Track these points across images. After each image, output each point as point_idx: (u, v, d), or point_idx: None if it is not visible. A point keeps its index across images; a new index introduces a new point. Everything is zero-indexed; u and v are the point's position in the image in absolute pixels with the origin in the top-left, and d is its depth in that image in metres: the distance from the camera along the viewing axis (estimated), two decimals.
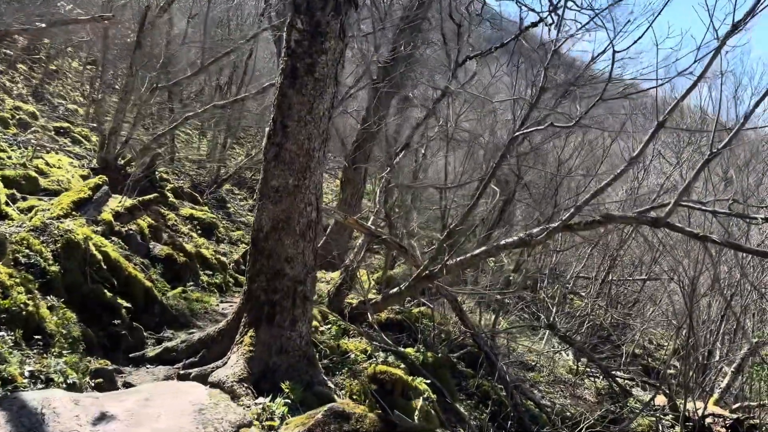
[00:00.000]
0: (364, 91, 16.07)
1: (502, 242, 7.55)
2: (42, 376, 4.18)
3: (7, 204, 7.70)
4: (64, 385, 4.23)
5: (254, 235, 6.31)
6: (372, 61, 12.41)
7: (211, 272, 11.57)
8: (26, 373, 4.09)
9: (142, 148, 13.36)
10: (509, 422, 9.19)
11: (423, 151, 14.80)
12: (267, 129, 6.29)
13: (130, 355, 6.54)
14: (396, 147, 11.78)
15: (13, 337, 4.36)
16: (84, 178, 12.62)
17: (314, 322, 7.91)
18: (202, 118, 19.61)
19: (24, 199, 8.41)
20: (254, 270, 6.29)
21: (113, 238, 8.38)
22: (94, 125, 16.18)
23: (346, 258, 9.85)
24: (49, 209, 7.05)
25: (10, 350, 4.24)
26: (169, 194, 14.67)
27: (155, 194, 10.13)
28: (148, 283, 7.83)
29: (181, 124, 13.98)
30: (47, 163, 11.57)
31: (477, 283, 12.49)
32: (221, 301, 10.47)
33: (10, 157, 11.10)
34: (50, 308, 5.68)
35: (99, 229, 8.19)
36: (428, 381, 7.38)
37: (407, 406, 6.87)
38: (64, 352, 4.78)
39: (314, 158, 6.11)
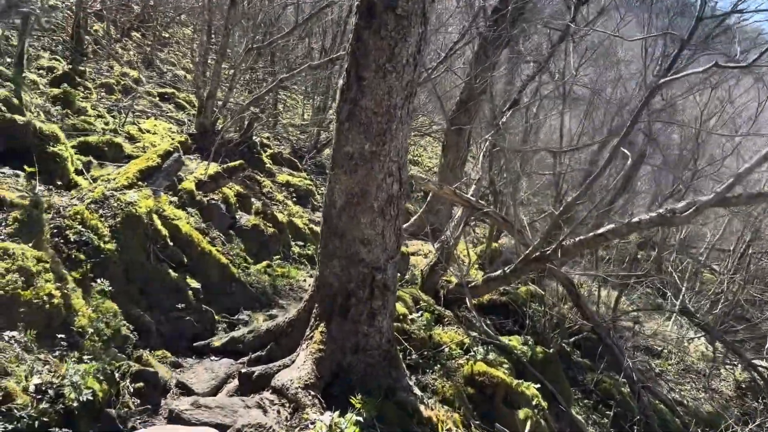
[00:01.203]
0: (469, 47, 14.48)
1: (636, 219, 5.99)
2: (51, 391, 3.37)
3: (79, 172, 7.13)
4: (77, 402, 3.40)
5: (326, 210, 5.22)
6: (480, 8, 10.84)
7: (302, 243, 10.75)
8: (31, 388, 3.30)
9: (236, 112, 12.70)
10: (635, 427, 7.68)
11: (534, 110, 13.08)
12: (340, 83, 5.11)
13: (195, 344, 5.74)
14: (504, 105, 10.24)
15: (26, 339, 3.59)
16: (180, 144, 12.16)
17: (403, 308, 6.77)
18: (304, 81, 18.85)
19: (101, 166, 7.87)
20: (326, 252, 5.21)
21: (190, 210, 7.65)
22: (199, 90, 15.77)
23: (446, 230, 8.61)
24: (114, 179, 6.37)
25: (21, 356, 3.47)
26: (267, 160, 14.02)
27: (241, 161, 9.34)
28: (224, 259, 7.02)
29: (276, 87, 13.17)
30: (140, 129, 11.14)
31: (595, 259, 10.85)
32: (310, 275, 9.61)
33: (107, 123, 10.77)
34: (99, 292, 4.93)
35: (174, 199, 7.46)
36: (537, 385, 6.06)
37: (511, 417, 5.62)
38: (93, 353, 3.96)
39: (396, 118, 4.87)
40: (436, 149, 23.98)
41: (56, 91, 10.53)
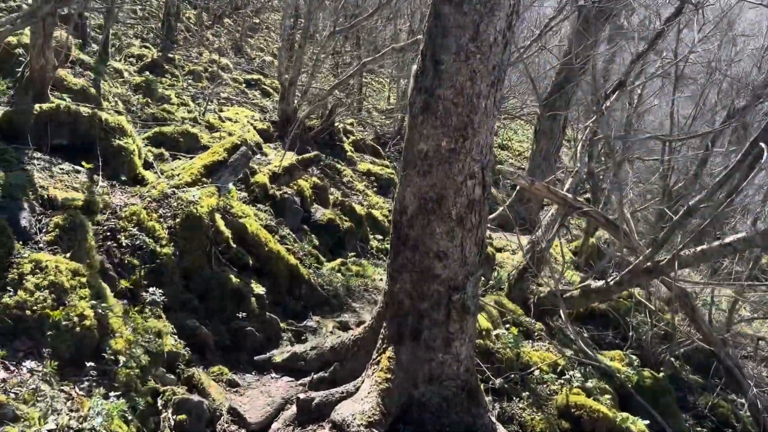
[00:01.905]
0: (566, 23, 13.18)
1: None
2: None
3: (149, 166, 6.77)
4: None
5: (396, 217, 4.47)
6: None
7: (381, 236, 10.09)
8: None
9: (317, 98, 12.18)
10: None
11: (639, 92, 11.67)
12: (414, 69, 4.33)
13: (255, 358, 5.21)
14: (606, 88, 9.05)
15: (46, 370, 3.13)
16: (261, 132, 11.80)
17: (486, 322, 5.95)
18: (390, 65, 18.13)
19: (174, 158, 7.52)
20: (396, 265, 4.48)
21: (260, 206, 7.14)
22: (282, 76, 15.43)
23: (536, 229, 7.66)
24: (178, 175, 5.94)
25: (40, 390, 2.99)
26: (348, 148, 13.45)
27: (316, 152, 8.76)
28: (293, 260, 6.46)
29: (359, 71, 12.50)
30: (220, 118, 10.82)
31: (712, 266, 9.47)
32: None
33: (190, 111, 10.54)
34: (149, 303, 4.47)
35: (244, 195, 6.98)
36: (646, 421, 5.09)
37: None
38: (126, 383, 3.46)
39: (479, 109, 4.02)
40: (527, 132, 22.64)
41: (138, 79, 10.38)
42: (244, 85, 15.82)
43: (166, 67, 13.31)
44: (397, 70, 17.03)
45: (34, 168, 5.02)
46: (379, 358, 4.40)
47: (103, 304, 3.61)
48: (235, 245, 5.76)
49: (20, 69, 6.71)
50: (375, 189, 12.14)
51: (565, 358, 5.80)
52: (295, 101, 12.96)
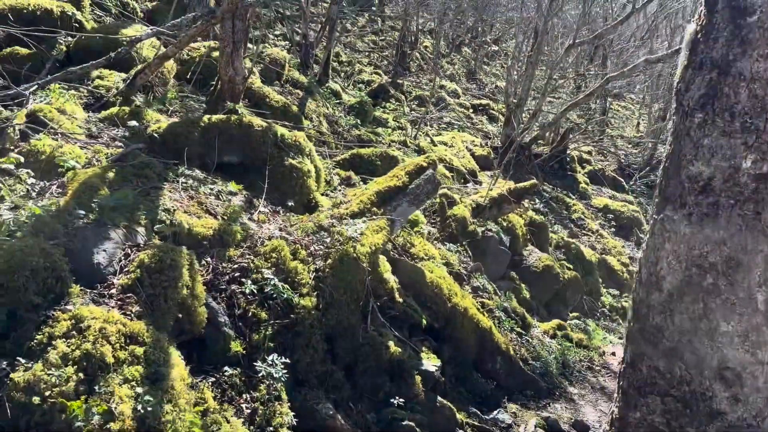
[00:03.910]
0: None
1: None
2: None
3: (326, 193, 5.64)
4: None
5: (640, 292, 2.49)
6: None
7: (617, 291, 7.76)
8: None
9: (548, 122, 10.25)
10: None
11: None
12: (685, 38, 2.35)
13: None
14: None
15: None
16: (480, 158, 10.26)
17: None
18: (641, 85, 15.35)
19: (365, 182, 6.33)
20: (635, 378, 2.48)
21: (453, 245, 5.53)
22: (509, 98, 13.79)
23: None
24: (348, 202, 4.64)
25: None
26: (582, 179, 11.20)
27: (533, 181, 6.88)
28: (485, 321, 4.71)
29: (600, 89, 10.23)
30: (433, 142, 9.53)
31: None
32: (622, 342, 6.61)
33: (405, 135, 9.47)
34: (266, 377, 3.13)
35: (432, 231, 5.45)
36: None
37: None
38: None
39: None
40: None
41: (353, 101, 9.61)
42: (470, 110, 14.50)
43: (393, 92, 12.59)
44: (649, 93, 14.14)
45: (176, 186, 4.11)
46: None
47: (158, 393, 2.32)
48: (403, 298, 4.22)
49: (213, 81, 6.13)
50: (613, 230, 9.73)
51: None
52: (522, 125, 11.18)
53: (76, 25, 6.43)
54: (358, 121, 8.87)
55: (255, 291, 3.52)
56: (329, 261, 3.89)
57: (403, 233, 4.96)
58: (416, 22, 16.70)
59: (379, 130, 9.12)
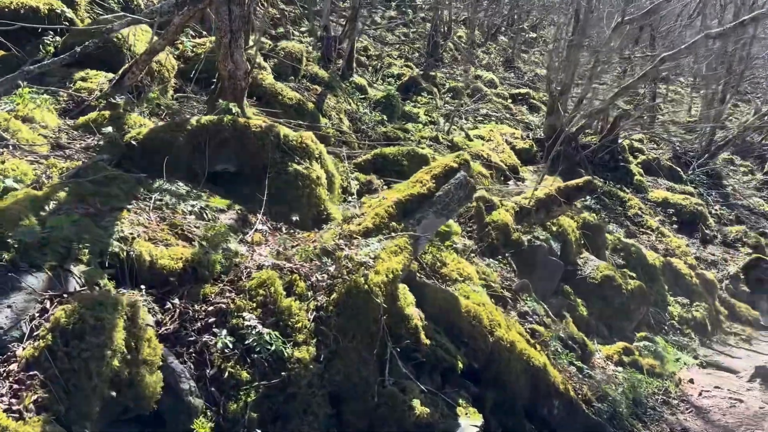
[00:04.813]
0: None
1: None
2: None
3: (346, 197, 4.74)
4: None
5: None
6: None
7: (687, 300, 6.63)
8: None
9: (596, 109, 9.10)
10: None
11: None
12: None
13: None
14: None
15: None
16: (521, 152, 9.20)
17: None
18: (691, 67, 13.93)
19: (389, 186, 5.40)
20: None
21: (494, 260, 4.54)
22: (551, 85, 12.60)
23: None
24: (361, 215, 3.71)
25: None
26: (636, 170, 9.97)
27: (587, 178, 5.81)
28: (538, 357, 3.71)
29: (654, 71, 8.95)
30: (468, 136, 8.52)
31: None
32: (701, 363, 5.52)
33: (438, 130, 8.48)
34: None
35: (467, 243, 4.47)
36: None
37: None
38: None
39: None
40: None
41: (380, 95, 8.66)
42: (509, 100, 13.35)
43: (425, 84, 11.59)
44: (704, 71, 12.67)
45: (148, 204, 3.26)
46: None
47: None
48: (431, 337, 3.26)
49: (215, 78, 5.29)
50: (675, 226, 8.52)
51: None
52: (567, 114, 10.04)
53: (66, 23, 5.70)
54: (385, 117, 7.93)
55: (232, 343, 2.64)
56: (334, 295, 2.98)
57: (432, 249, 4.02)
58: (449, 11, 15.65)
59: (409, 126, 8.16)
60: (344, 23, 9.89)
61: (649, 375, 4.63)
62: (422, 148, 6.42)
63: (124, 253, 2.75)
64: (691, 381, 4.88)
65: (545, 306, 4.48)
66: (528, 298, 4.25)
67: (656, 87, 14.68)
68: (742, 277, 7.30)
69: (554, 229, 5.46)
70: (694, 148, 12.19)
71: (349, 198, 4.69)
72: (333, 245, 3.25)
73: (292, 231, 3.90)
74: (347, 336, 2.91)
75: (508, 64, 17.18)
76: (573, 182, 5.52)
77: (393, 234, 3.41)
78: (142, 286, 2.72)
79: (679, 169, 10.96)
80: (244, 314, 2.74)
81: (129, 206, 3.18)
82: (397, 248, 3.30)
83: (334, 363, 2.84)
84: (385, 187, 5.35)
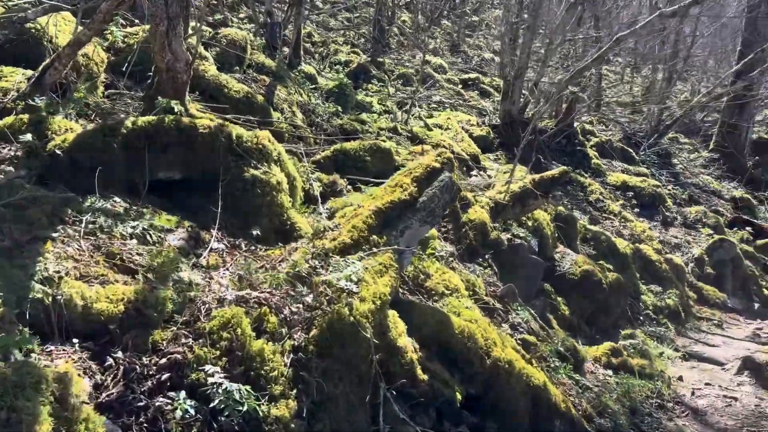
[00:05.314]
0: None
1: None
2: None
3: (314, 207, 4.20)
4: None
5: None
6: None
7: (659, 288, 6.45)
8: None
9: (551, 93, 8.82)
10: None
11: None
12: None
13: None
14: None
15: None
16: (479, 140, 8.85)
17: None
18: (638, 45, 13.97)
19: (354, 187, 4.89)
20: None
21: (474, 264, 4.13)
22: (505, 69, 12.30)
23: None
24: (333, 229, 3.22)
25: None
26: (592, 153, 9.83)
27: (563, 168, 5.49)
28: (537, 375, 3.33)
29: (610, 49, 8.77)
30: (427, 126, 8.09)
31: None
32: (684, 356, 5.32)
33: (393, 120, 8.00)
34: None
35: (450, 249, 4.04)
36: None
37: None
38: None
39: None
40: None
41: (331, 84, 8.09)
42: (459, 86, 13.00)
43: (374, 72, 11.09)
44: (644, 51, 12.67)
45: (78, 230, 2.65)
46: None
47: None
48: (427, 368, 2.81)
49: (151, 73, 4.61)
50: (636, 210, 8.38)
51: None
52: (522, 99, 9.77)
53: None
54: (339, 108, 7.37)
55: (194, 407, 2.10)
56: (314, 332, 2.48)
57: (413, 259, 3.55)
58: None
59: (364, 116, 7.65)
60: (286, 8, 9.22)
61: (639, 376, 4.35)
62: (383, 141, 5.92)
63: (50, 299, 2.16)
64: (680, 378, 4.65)
65: (532, 311, 4.11)
66: (518, 307, 3.86)
67: (601, 69, 14.66)
68: (707, 259, 7.22)
69: (530, 224, 5.11)
70: (642, 128, 12.20)
71: (318, 207, 4.15)
72: (307, 269, 2.73)
73: (253, 248, 3.36)
74: (332, 381, 2.42)
75: (454, 49, 16.85)
76: (548, 173, 5.18)
77: (375, 249, 2.92)
78: (75, 340, 2.15)
79: (631, 150, 10.92)
80: (206, 367, 2.20)
81: (54, 234, 2.57)
82: (382, 267, 2.82)
83: (319, 416, 2.34)
84: (350, 187, 4.84)
